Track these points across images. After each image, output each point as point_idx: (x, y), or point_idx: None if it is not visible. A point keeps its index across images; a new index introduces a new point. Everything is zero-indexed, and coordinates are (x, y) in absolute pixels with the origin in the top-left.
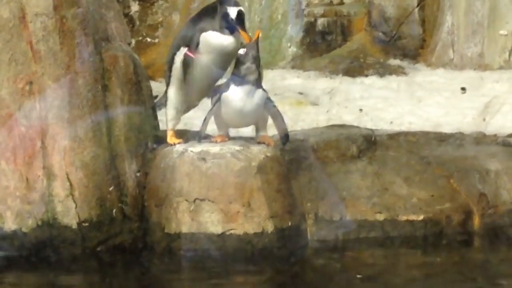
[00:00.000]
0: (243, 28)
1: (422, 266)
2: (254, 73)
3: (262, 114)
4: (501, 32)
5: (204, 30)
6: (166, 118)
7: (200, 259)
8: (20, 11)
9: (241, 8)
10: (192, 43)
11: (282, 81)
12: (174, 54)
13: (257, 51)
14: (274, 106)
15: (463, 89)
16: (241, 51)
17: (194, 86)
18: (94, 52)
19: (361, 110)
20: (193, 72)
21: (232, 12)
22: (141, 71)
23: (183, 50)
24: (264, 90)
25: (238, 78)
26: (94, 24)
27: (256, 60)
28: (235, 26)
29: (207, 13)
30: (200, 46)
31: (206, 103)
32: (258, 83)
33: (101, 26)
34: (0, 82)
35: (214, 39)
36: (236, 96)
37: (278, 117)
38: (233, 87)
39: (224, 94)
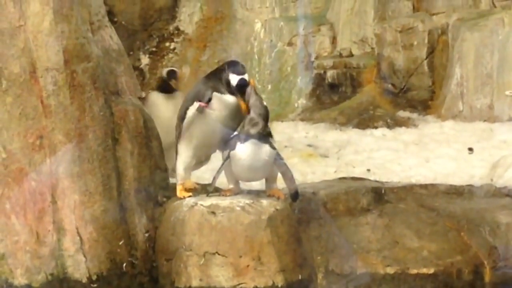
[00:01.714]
0: (242, 98)
1: None
2: (257, 125)
3: (272, 169)
4: (507, 92)
5: (215, 89)
6: (176, 172)
7: None
8: (31, 66)
9: (244, 76)
10: (204, 98)
11: (291, 133)
12: (187, 108)
13: (260, 101)
14: (284, 164)
15: (470, 149)
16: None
17: (204, 141)
18: (104, 106)
19: (368, 170)
20: (204, 126)
21: (233, 80)
22: (151, 124)
23: (196, 105)
24: (272, 146)
25: (243, 135)
26: (104, 78)
27: (259, 109)
28: (235, 94)
29: (218, 74)
30: (213, 102)
31: (217, 156)
32: (264, 138)
33: (111, 80)
34: (10, 137)
35: (225, 98)
36: (244, 154)
37: (287, 175)
38: (239, 145)
39: (233, 152)
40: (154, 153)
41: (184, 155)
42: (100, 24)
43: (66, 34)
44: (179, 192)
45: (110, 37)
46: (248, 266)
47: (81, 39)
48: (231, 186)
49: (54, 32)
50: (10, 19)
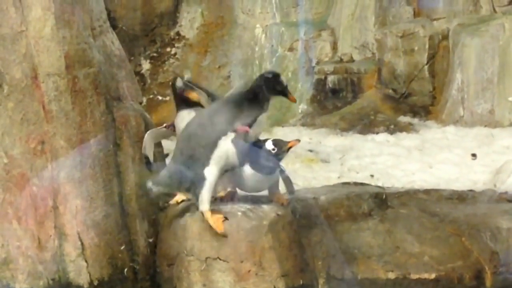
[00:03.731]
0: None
1: None
2: (283, 148)
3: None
4: (510, 98)
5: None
6: (202, 199)
7: None
8: (32, 71)
9: None
10: (246, 122)
11: (293, 138)
12: (219, 138)
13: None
14: (283, 171)
15: (473, 155)
16: (270, 144)
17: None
18: (105, 112)
19: (372, 176)
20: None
21: (284, 80)
22: None
23: (231, 135)
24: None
25: (267, 153)
26: (106, 83)
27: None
28: (286, 91)
29: (254, 89)
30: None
31: None
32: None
33: (112, 86)
34: (12, 142)
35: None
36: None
37: (288, 183)
38: (260, 162)
39: (247, 168)
40: (155, 158)
41: (212, 183)
42: (102, 29)
43: (67, 40)
44: (213, 221)
45: (112, 43)
46: (249, 271)
47: (82, 44)
48: (228, 189)
49: (55, 37)
50: (11, 24)
